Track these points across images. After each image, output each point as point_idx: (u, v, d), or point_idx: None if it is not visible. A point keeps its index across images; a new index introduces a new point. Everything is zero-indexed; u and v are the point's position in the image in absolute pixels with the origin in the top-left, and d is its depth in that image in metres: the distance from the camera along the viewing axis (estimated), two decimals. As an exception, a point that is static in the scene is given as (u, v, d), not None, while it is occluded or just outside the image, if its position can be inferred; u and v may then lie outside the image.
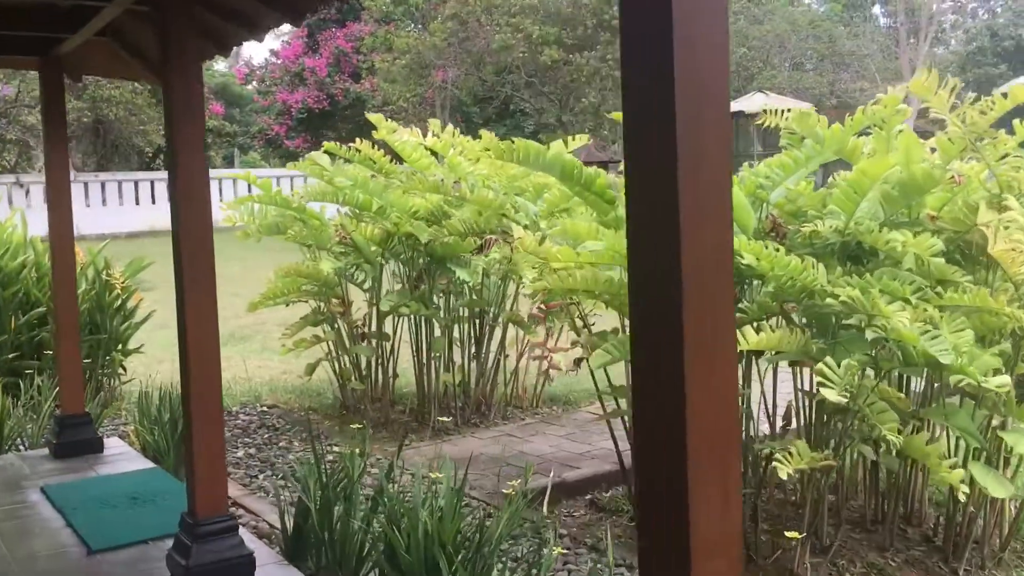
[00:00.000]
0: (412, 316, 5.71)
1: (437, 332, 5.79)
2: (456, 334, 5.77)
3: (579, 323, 3.85)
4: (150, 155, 27.46)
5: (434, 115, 25.22)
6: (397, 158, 6.05)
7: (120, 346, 6.83)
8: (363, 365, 6.12)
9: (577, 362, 3.87)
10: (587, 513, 4.16)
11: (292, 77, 33.52)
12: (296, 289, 5.61)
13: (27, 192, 20.30)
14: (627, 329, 3.80)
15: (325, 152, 5.95)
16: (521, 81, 22.94)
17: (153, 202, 22.15)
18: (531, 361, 5.74)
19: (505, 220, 4.13)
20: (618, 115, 4.04)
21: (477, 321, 5.82)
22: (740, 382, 3.69)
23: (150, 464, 4.57)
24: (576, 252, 3.39)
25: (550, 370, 4.22)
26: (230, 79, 38.48)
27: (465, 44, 21.70)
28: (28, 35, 4.52)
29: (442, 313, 5.49)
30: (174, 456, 4.68)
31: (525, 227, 3.89)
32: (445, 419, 5.48)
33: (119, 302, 6.83)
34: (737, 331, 3.08)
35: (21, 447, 5.13)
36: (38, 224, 7.66)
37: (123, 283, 6.79)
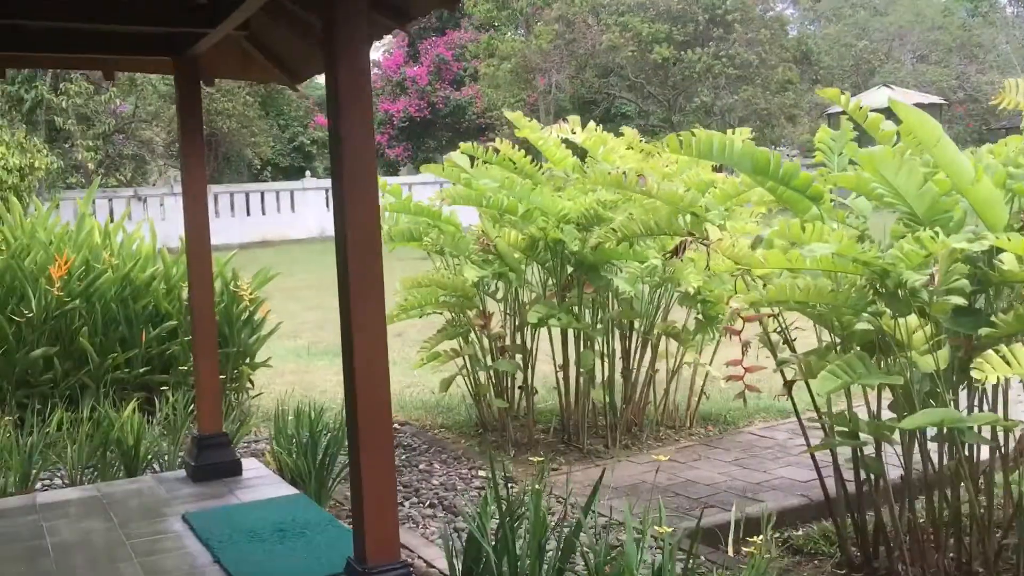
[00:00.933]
0: (551, 329, 5.29)
1: (581, 345, 5.35)
2: (600, 347, 5.32)
3: (777, 338, 3.35)
4: (258, 167, 27.95)
5: (538, 120, 24.91)
6: (536, 158, 5.66)
7: (248, 359, 6.62)
8: (503, 381, 5.73)
9: (788, 386, 3.37)
10: (782, 555, 3.64)
11: (393, 86, 33.77)
12: (433, 300, 5.26)
13: (145, 204, 20.79)
14: (839, 347, 3.28)
15: (462, 153, 5.59)
16: (626, 83, 22.39)
17: (263, 213, 22.44)
18: (702, 378, 5.24)
19: (693, 219, 3.66)
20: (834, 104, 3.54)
21: (625, 333, 5.36)
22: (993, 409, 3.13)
23: (292, 490, 4.26)
24: (786, 257, 2.90)
25: (747, 392, 3.73)
26: (333, 91, 39.00)
27: (571, 46, 21.28)
28: (161, 31, 4.28)
29: (591, 325, 5.05)
30: (316, 481, 4.36)
31: (720, 227, 3.42)
32: (657, 453, 5.03)
33: (247, 314, 6.62)
34: (1006, 352, 2.54)
35: (157, 468, 4.91)
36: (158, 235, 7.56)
37: (251, 295, 6.57)
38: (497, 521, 2.89)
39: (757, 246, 3.10)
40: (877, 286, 2.98)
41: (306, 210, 22.70)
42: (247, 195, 22.37)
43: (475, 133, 32.61)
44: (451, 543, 3.17)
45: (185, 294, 6.42)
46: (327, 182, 24.27)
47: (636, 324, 5.35)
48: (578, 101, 23.02)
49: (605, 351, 5.19)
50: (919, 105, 20.68)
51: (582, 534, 2.84)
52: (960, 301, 2.68)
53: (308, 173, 24.74)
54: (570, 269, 5.11)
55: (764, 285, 3.05)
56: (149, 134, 21.34)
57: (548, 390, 6.22)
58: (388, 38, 36.47)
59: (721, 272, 4.59)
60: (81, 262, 6.11)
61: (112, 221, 6.82)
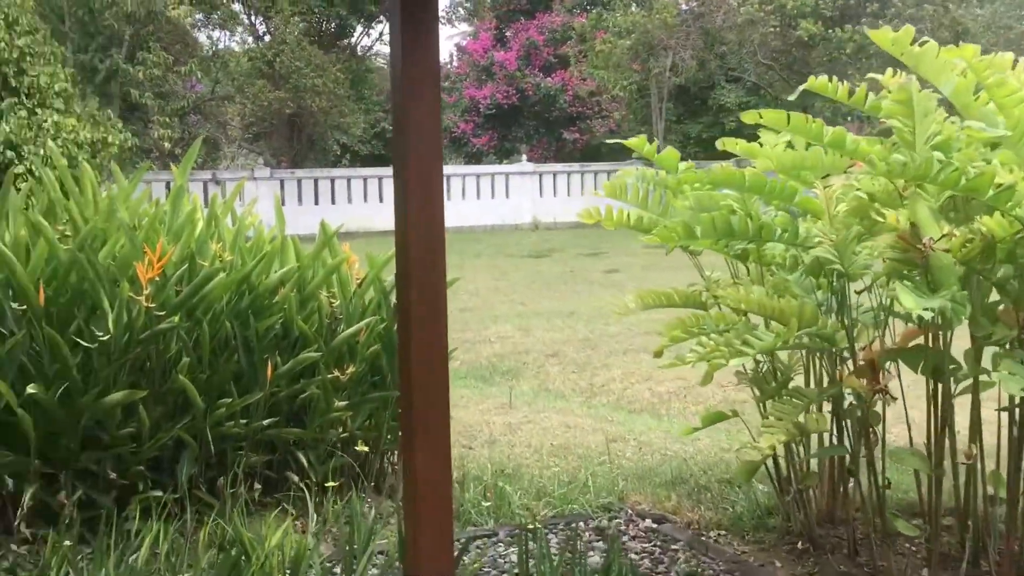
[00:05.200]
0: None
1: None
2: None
3: None
4: (337, 153, 26.10)
5: (648, 107, 22.60)
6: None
7: (412, 405, 4.53)
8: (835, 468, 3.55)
9: None
10: None
11: (479, 72, 31.74)
12: (783, 341, 3.07)
13: (222, 188, 19.01)
14: None
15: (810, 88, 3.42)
16: (759, 65, 19.88)
17: (349, 201, 20.57)
18: None
19: None
20: None
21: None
22: None
23: None
24: None
25: None
26: (413, 76, 37.11)
27: (700, 21, 18.91)
28: None
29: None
30: None
31: None
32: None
33: (413, 339, 4.53)
34: None
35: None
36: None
37: (421, 311, 4.47)
38: None
39: None
40: None
41: (392, 199, 20.73)
42: (332, 181, 20.49)
43: (565, 122, 30.42)
44: None
45: (328, 304, 4.36)
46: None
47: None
48: (696, 84, 20.63)
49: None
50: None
51: None
52: None
53: (398, 159, 22.75)
54: None
55: None
56: (231, 112, 19.56)
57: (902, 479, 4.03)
58: (475, 21, 34.44)
59: None
60: (180, 257, 4.08)
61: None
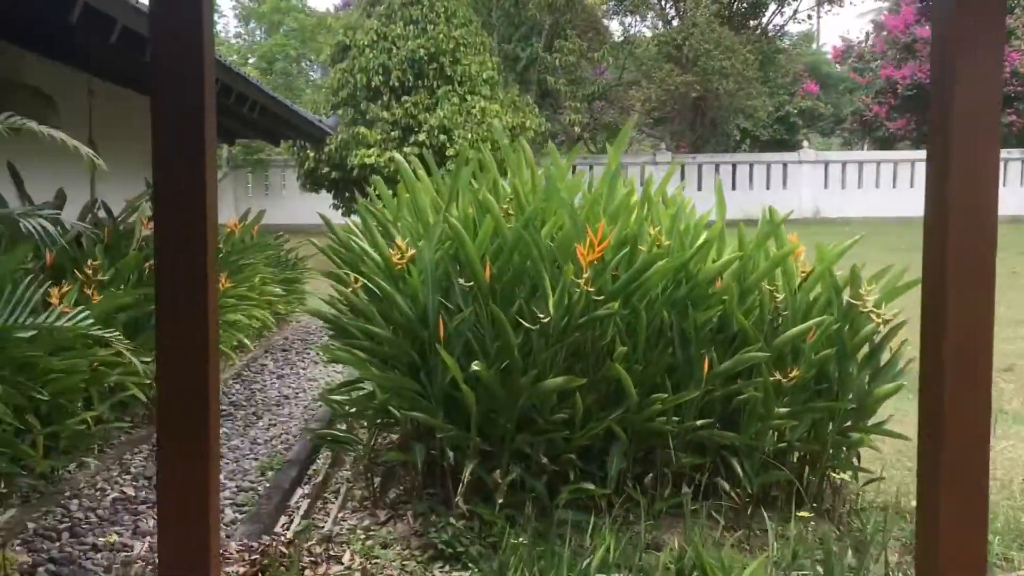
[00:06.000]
0: None
1: None
2: None
3: None
4: (737, 138, 25.35)
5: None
6: None
7: (861, 420, 3.95)
8: None
9: None
10: None
11: (899, 50, 29.00)
12: None
13: (624, 172, 19.31)
14: None
15: None
16: None
17: (751, 187, 19.84)
18: None
19: None
20: None
21: None
22: None
23: None
24: None
25: None
26: (821, 57, 35.08)
27: None
28: None
29: None
30: None
31: None
32: None
33: (867, 345, 3.94)
34: None
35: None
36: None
37: (880, 313, 3.87)
38: None
39: None
40: None
41: (800, 187, 19.64)
42: (734, 166, 19.91)
43: (1001, 103, 26.78)
44: None
45: (771, 298, 3.93)
46: (829, 155, 20.97)
47: None
48: None
49: None
50: None
51: None
52: None
53: (806, 143, 21.55)
54: None
55: None
56: (641, 95, 19.75)
57: None
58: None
59: None
60: (617, 241, 3.88)
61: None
